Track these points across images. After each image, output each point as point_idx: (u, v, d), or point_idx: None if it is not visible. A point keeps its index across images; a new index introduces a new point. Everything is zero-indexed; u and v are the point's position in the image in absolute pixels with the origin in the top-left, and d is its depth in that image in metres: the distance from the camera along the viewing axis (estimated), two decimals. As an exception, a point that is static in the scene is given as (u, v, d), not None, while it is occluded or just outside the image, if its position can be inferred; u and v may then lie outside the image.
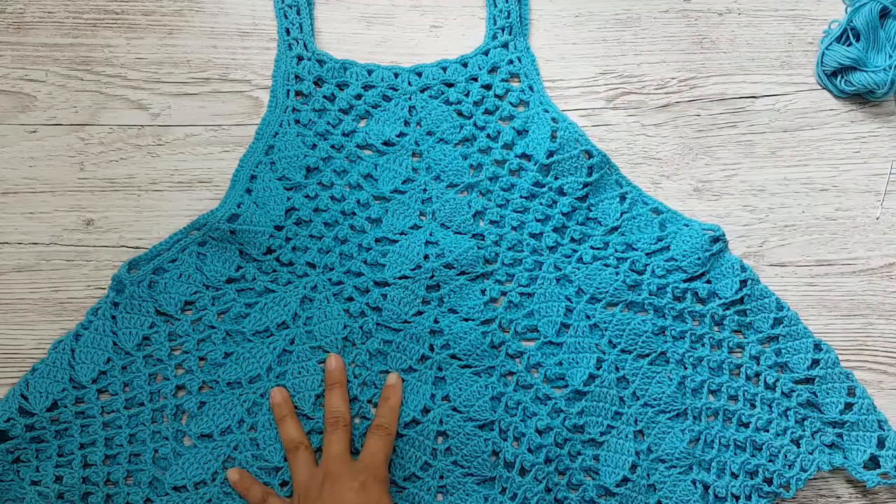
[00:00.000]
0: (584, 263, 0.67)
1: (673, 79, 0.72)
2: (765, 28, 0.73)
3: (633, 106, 0.71)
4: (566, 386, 0.64)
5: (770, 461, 0.62)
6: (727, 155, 0.70)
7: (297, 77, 0.70)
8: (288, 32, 0.70)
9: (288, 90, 0.69)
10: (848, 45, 0.70)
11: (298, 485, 0.59)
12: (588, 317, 0.65)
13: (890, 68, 0.69)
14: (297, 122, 0.69)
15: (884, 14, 0.70)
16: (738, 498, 0.62)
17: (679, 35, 0.73)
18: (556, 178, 0.67)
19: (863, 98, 0.72)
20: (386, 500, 0.57)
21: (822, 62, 0.71)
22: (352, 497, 0.56)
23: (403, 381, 0.64)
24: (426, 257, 0.66)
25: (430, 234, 0.67)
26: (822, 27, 0.73)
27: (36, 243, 0.67)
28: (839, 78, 0.71)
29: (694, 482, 0.63)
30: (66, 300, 0.65)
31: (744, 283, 0.65)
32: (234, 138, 0.69)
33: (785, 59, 0.72)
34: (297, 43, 0.70)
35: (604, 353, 0.65)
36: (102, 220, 0.67)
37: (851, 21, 0.70)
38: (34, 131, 0.69)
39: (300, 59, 0.70)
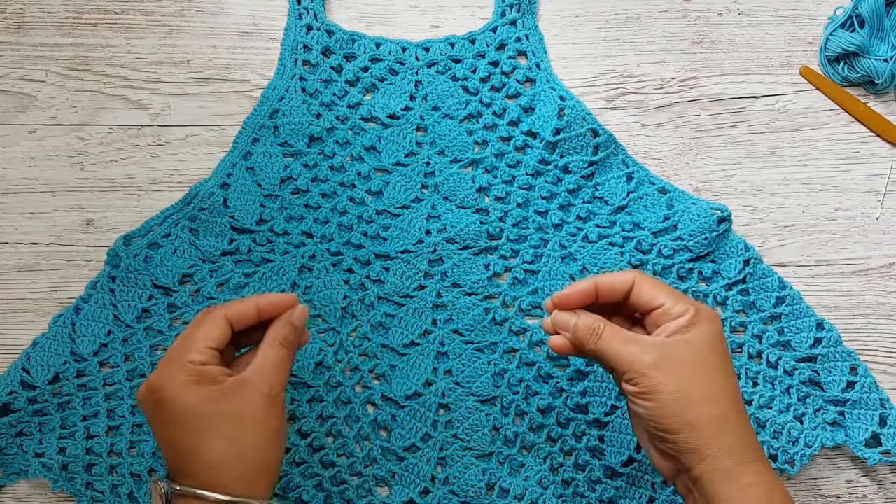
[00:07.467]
0: (590, 242, 0.66)
1: (673, 79, 0.72)
2: (765, 28, 0.73)
3: (633, 106, 0.71)
4: (569, 365, 0.64)
5: (774, 438, 0.62)
6: (727, 155, 0.70)
7: (305, 46, 0.69)
8: (299, 1, 0.70)
9: (296, 59, 0.69)
10: (852, 32, 0.70)
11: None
12: None
13: (891, 59, 0.69)
14: (304, 90, 0.69)
15: (890, 2, 0.70)
16: None
17: (679, 35, 0.73)
18: (562, 156, 0.67)
19: (864, 90, 0.71)
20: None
21: (825, 48, 0.71)
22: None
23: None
24: (428, 232, 0.66)
25: (433, 208, 0.67)
26: (823, 27, 0.73)
27: (36, 243, 0.67)
28: (842, 64, 0.71)
29: None
30: (66, 300, 0.65)
31: (747, 262, 0.65)
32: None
33: (785, 59, 0.72)
34: (308, 12, 0.70)
35: None
36: (102, 220, 0.67)
37: (857, 8, 0.70)
38: (34, 131, 0.69)
39: (309, 28, 0.70)
